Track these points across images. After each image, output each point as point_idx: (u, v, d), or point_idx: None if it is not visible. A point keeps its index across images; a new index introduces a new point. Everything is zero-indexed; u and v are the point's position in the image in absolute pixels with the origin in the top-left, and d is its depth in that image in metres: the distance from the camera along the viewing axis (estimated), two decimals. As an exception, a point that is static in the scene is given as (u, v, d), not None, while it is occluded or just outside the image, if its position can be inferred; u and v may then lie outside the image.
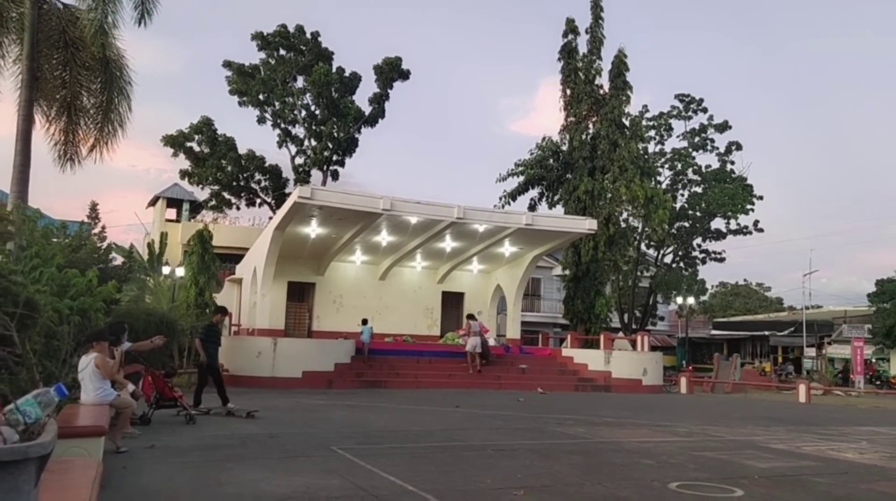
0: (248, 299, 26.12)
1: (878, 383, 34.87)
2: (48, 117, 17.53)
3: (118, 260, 24.52)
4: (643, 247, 38.21)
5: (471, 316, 24.35)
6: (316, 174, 36.99)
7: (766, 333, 46.72)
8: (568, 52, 32.11)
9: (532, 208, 32.64)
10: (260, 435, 9.71)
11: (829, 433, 12.61)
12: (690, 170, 38.45)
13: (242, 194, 37.61)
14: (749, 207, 36.86)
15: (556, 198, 32.97)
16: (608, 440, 10.51)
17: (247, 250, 29.12)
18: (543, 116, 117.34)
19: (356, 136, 37.25)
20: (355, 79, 37.31)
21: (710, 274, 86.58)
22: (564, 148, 32.34)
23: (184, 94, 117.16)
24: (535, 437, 10.75)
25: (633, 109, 33.22)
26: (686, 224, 38.59)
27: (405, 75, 37.37)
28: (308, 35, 36.68)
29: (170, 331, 15.55)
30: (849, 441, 11.55)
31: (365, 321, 22.89)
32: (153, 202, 39.88)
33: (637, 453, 9.11)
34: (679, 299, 37.43)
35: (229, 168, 36.12)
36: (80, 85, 17.61)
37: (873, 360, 38.19)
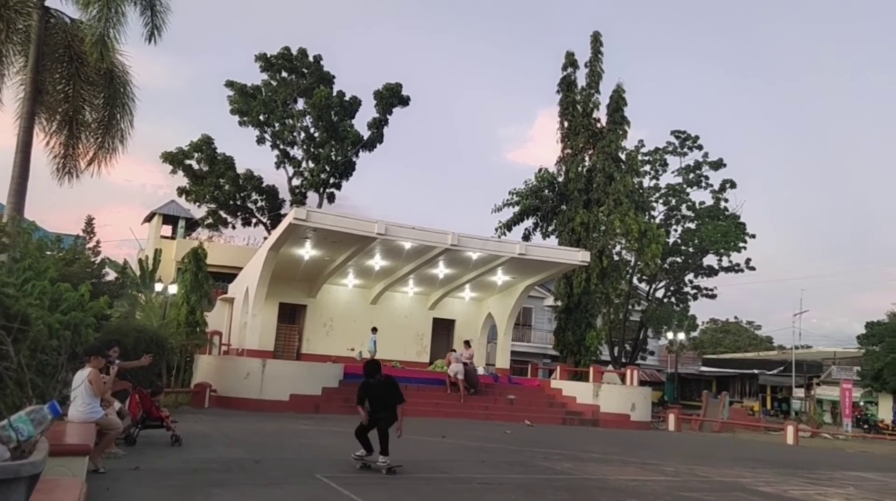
0: (239, 319, 26.03)
1: (865, 426, 34.87)
2: (49, 130, 17.58)
3: (111, 275, 24.45)
4: (635, 281, 38.35)
5: (467, 342, 24.69)
6: (312, 196, 37.08)
7: (756, 371, 46.77)
8: (567, 84, 32.50)
9: (526, 237, 32.76)
10: (245, 461, 9.64)
11: (816, 477, 12.59)
12: (684, 206, 38.78)
13: (238, 214, 37.62)
14: (741, 245, 37.16)
15: (550, 229, 33.12)
16: (595, 476, 10.46)
17: (240, 269, 29.10)
18: (540, 146, 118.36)
19: (354, 159, 37.43)
20: (355, 103, 37.59)
21: (701, 310, 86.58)
22: (560, 179, 32.56)
23: (184, 111, 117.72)
24: (522, 471, 10.70)
25: (629, 143, 33.59)
26: (678, 260, 38.80)
27: (405, 101, 37.67)
28: (310, 58, 37.00)
29: (159, 349, 15.48)
30: (836, 485, 11.53)
31: (374, 330, 25.02)
32: (149, 218, 39.90)
33: (623, 491, 9.08)
34: (669, 335, 37.50)
35: (227, 187, 36.17)
36: (83, 99, 17.70)
37: (861, 403, 38.22)
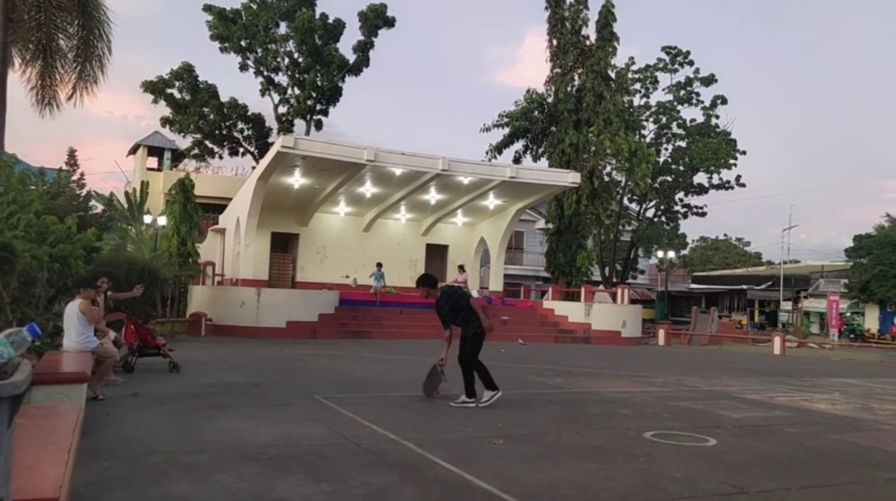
0: (231, 250, 26.03)
1: (851, 336, 35.66)
2: (24, 60, 17.07)
3: (98, 208, 24.25)
4: (626, 201, 38.34)
5: (461, 267, 24.98)
6: (299, 124, 36.50)
7: (744, 287, 47.45)
8: (555, 0, 31.60)
9: (517, 160, 32.57)
10: (244, 384, 9.80)
11: (802, 385, 12.92)
12: (675, 124, 38.38)
13: (225, 143, 37.09)
14: (732, 161, 36.96)
15: (540, 151, 32.89)
16: (586, 390, 10.70)
17: (230, 199, 28.90)
18: (529, 67, 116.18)
19: (340, 85, 36.66)
20: (339, 26, 36.51)
21: (691, 229, 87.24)
22: (550, 100, 32.12)
23: (162, 38, 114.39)
24: (515, 387, 10.91)
25: (619, 61, 32.97)
26: (669, 178, 38.69)
27: (390, 23, 36.61)
28: (290, -22, 35.73)
29: (152, 280, 15.51)
30: (821, 392, 11.84)
31: (380, 265, 24.53)
32: (133, 150, 39.33)
33: (614, 403, 9.30)
34: (660, 253, 37.79)
35: (211, 116, 35.52)
36: (56, 26, 17.09)
37: (848, 314, 38.98)
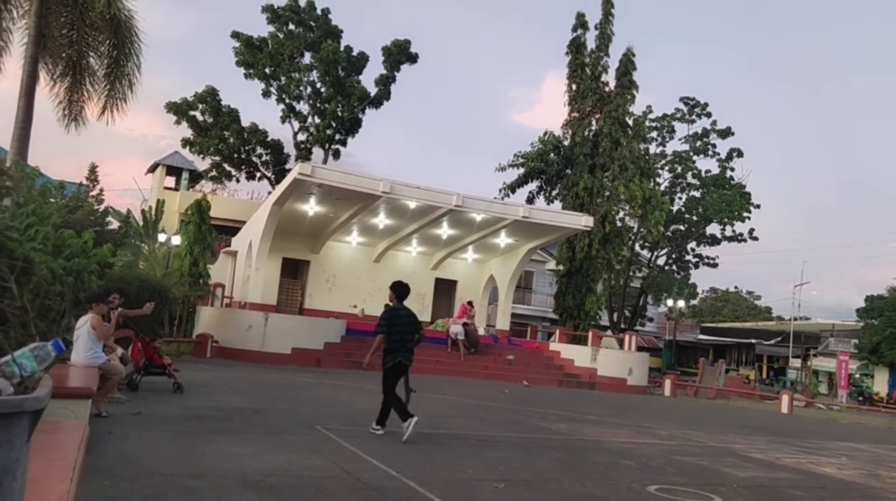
0: (241, 273, 26.11)
1: (860, 398, 35.14)
2: (53, 76, 17.40)
3: (114, 224, 24.47)
4: (637, 247, 38.32)
5: (470, 303, 24.85)
6: (317, 152, 36.85)
7: (753, 341, 46.97)
8: (576, 46, 32.06)
9: (530, 201, 32.69)
10: (246, 410, 9.76)
11: (809, 447, 12.73)
12: (690, 174, 38.53)
13: (243, 167, 37.45)
14: (746, 214, 36.98)
15: (554, 193, 33.02)
16: (590, 438, 10.59)
17: (244, 222, 29.07)
18: (547, 109, 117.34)
19: (360, 116, 37.10)
20: (363, 59, 37.09)
21: (702, 279, 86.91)
22: (566, 143, 32.35)
23: (186, 61, 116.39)
24: (518, 430, 10.83)
25: (637, 108, 33.27)
26: (682, 227, 38.71)
27: (413, 59, 37.15)
28: (318, 11, 36.44)
29: (162, 299, 15.57)
30: (828, 455, 11.66)
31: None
32: (152, 169, 39.75)
33: (617, 453, 9.19)
34: (669, 302, 37.59)
35: (231, 140, 35.93)
36: (87, 45, 17.44)
37: (857, 375, 38.48)
